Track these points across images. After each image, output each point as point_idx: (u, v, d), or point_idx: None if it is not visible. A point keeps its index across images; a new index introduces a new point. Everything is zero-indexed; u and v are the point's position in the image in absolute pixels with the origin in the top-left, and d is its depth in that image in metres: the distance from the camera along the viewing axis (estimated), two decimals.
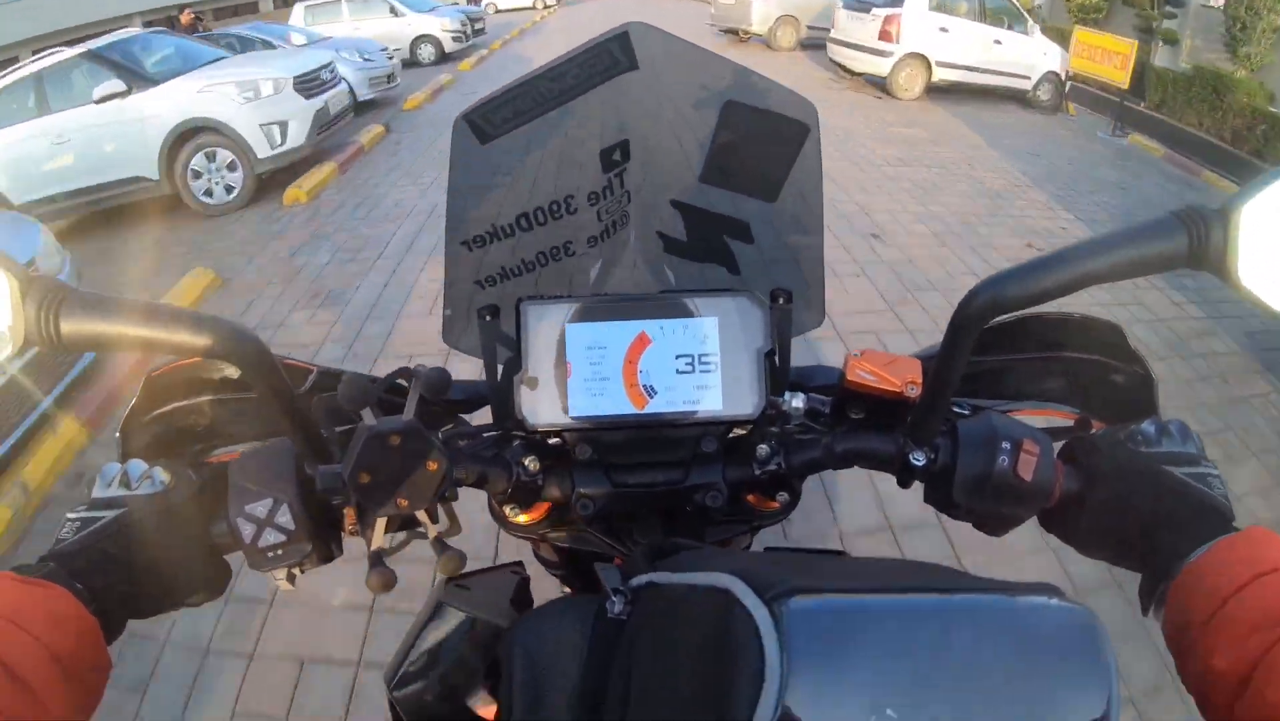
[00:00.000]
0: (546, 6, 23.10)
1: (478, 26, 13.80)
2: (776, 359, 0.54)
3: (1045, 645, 0.30)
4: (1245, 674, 0.36)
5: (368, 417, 0.44)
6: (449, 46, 12.15)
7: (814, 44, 10.54)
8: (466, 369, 0.58)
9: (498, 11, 22.41)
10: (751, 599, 0.31)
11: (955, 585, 0.32)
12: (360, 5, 11.56)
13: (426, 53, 12.02)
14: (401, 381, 0.49)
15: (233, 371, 0.57)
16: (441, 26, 12.31)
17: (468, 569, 0.63)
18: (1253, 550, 0.40)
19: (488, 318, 0.54)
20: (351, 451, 0.43)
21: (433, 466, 0.44)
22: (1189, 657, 0.40)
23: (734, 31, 11.73)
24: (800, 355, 0.57)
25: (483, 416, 0.59)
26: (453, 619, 0.58)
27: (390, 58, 8.96)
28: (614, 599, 0.43)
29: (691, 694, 0.33)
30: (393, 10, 11.72)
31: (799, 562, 0.51)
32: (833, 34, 8.85)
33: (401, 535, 0.49)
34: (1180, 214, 0.41)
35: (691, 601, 0.37)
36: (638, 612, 0.42)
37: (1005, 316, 0.44)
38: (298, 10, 11.51)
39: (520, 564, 0.67)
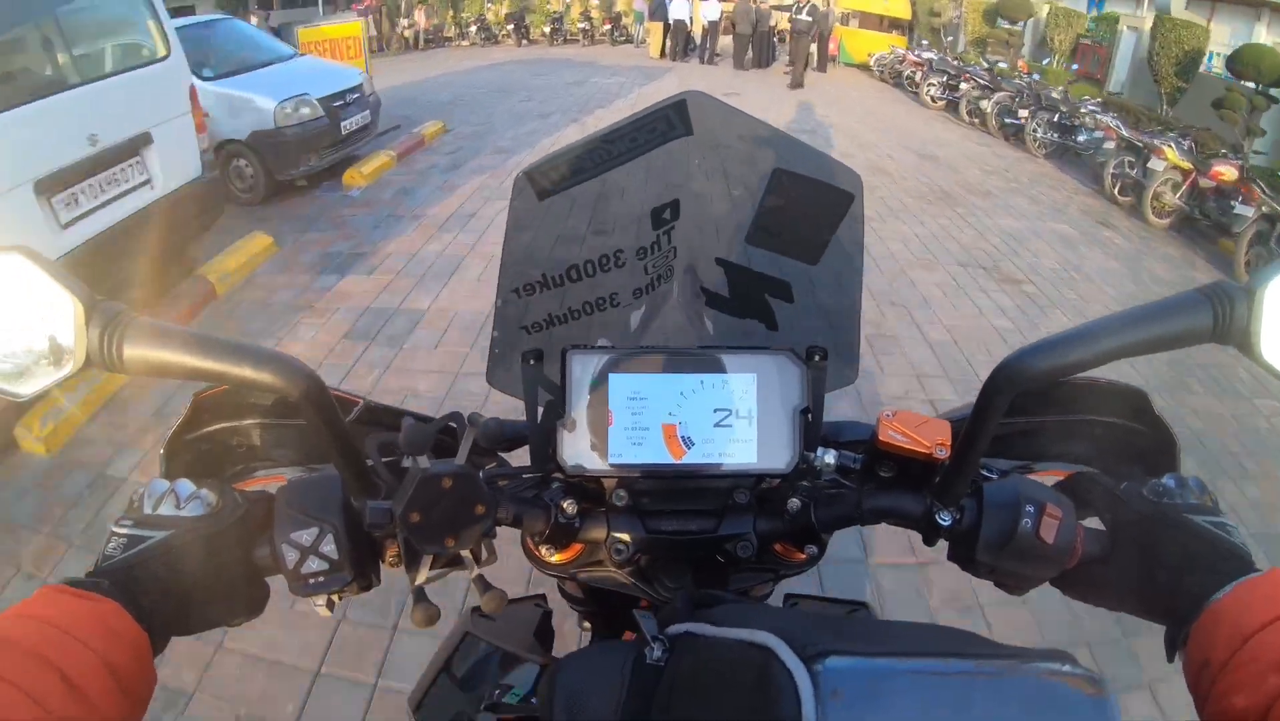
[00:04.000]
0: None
1: None
2: (811, 414, 0.56)
3: (1058, 711, 0.31)
4: (1263, 713, 0.36)
5: (423, 460, 0.46)
6: None
7: None
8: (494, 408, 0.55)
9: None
10: (791, 657, 0.33)
11: (976, 650, 0.34)
12: None
13: None
14: (453, 424, 0.51)
15: (277, 397, 0.59)
16: None
17: None
18: (1274, 591, 0.42)
19: (532, 362, 0.55)
20: (404, 492, 0.45)
21: (480, 509, 0.46)
22: (1209, 697, 0.41)
23: None
24: None
25: (519, 455, 0.61)
26: (478, 649, 0.62)
27: None
28: (653, 645, 0.44)
29: None
30: None
31: (831, 622, 0.53)
32: None
33: (441, 569, 0.50)
34: (1206, 290, 0.43)
35: (732, 654, 0.38)
36: (675, 661, 0.44)
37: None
38: None
39: (544, 597, 0.71)
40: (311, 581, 0.47)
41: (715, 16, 13.28)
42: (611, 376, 0.56)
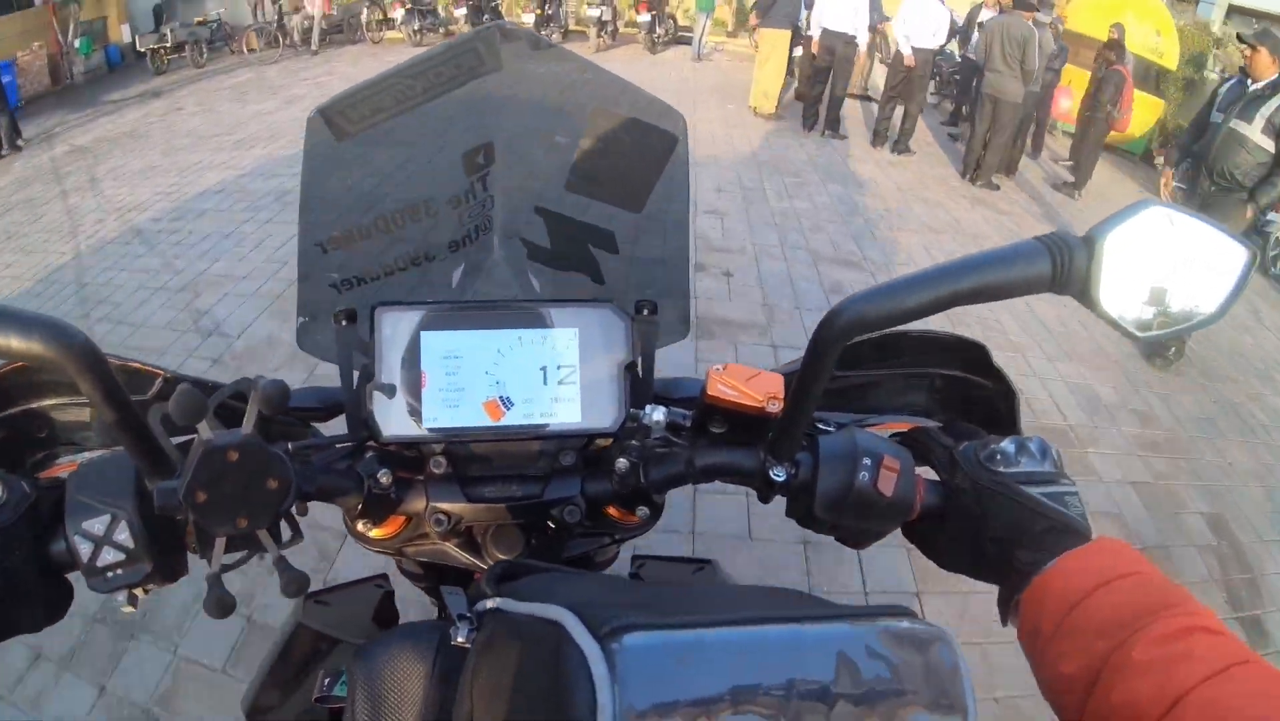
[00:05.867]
0: None
1: None
2: (640, 370, 0.78)
3: (897, 671, 0.45)
4: (1092, 678, 0.56)
5: (204, 430, 0.61)
6: None
7: None
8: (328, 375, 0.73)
9: None
10: (584, 635, 0.46)
11: (804, 613, 0.48)
12: None
13: None
14: (242, 390, 0.68)
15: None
16: None
17: (332, 582, 0.88)
18: (1100, 560, 0.63)
19: (344, 322, 0.76)
20: (187, 468, 0.60)
21: (274, 484, 0.63)
22: (1041, 664, 0.62)
23: None
24: None
25: (339, 425, 0.79)
26: (311, 639, 0.87)
27: None
28: (458, 625, 0.62)
29: None
30: None
31: (645, 590, 0.72)
32: None
33: (242, 552, 0.68)
34: (1045, 240, 0.61)
35: (530, 633, 0.53)
36: (481, 640, 0.60)
37: (870, 334, 0.65)
38: None
39: (385, 576, 0.95)
40: (109, 575, 0.63)
41: (931, 40, 9.00)
42: (424, 335, 0.76)
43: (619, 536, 0.87)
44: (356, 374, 0.78)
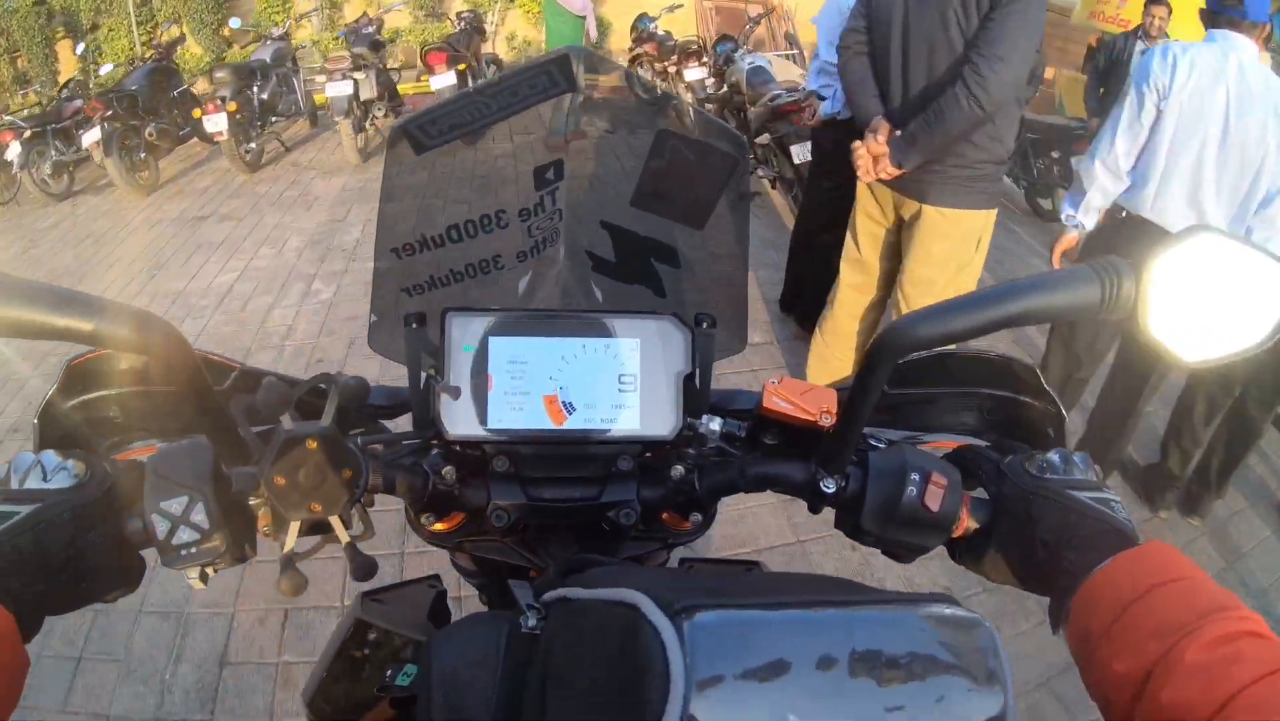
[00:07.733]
0: None
1: None
2: (697, 381, 1.04)
3: (942, 653, 0.60)
4: (1143, 677, 0.71)
5: (286, 421, 0.81)
6: None
7: None
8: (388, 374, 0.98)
9: None
10: (657, 614, 0.62)
11: (856, 598, 0.64)
12: None
13: None
14: (322, 385, 0.89)
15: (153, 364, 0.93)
16: None
17: (384, 581, 1.15)
18: (1153, 563, 0.80)
19: (414, 325, 0.99)
20: (269, 454, 0.80)
21: (348, 473, 0.83)
22: (1091, 664, 0.77)
23: None
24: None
25: (405, 422, 1.02)
26: (370, 635, 1.13)
27: None
28: (528, 614, 0.83)
29: (603, 704, 0.65)
30: None
31: (707, 577, 0.96)
32: None
33: (315, 539, 0.90)
34: (1096, 265, 0.78)
35: (601, 616, 0.70)
36: (550, 627, 0.80)
37: (923, 353, 0.93)
38: None
39: (437, 577, 1.23)
40: (184, 552, 0.84)
41: None
42: (491, 340, 1.02)
43: (670, 541, 1.15)
44: (424, 375, 1.03)
